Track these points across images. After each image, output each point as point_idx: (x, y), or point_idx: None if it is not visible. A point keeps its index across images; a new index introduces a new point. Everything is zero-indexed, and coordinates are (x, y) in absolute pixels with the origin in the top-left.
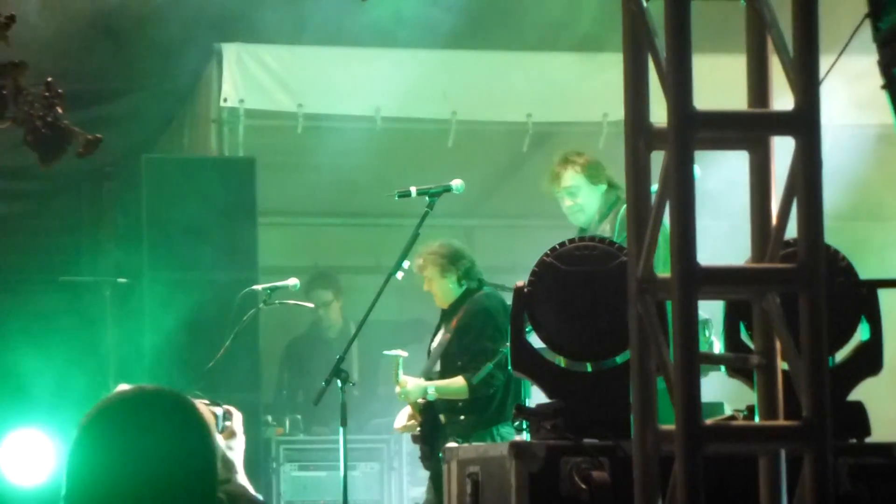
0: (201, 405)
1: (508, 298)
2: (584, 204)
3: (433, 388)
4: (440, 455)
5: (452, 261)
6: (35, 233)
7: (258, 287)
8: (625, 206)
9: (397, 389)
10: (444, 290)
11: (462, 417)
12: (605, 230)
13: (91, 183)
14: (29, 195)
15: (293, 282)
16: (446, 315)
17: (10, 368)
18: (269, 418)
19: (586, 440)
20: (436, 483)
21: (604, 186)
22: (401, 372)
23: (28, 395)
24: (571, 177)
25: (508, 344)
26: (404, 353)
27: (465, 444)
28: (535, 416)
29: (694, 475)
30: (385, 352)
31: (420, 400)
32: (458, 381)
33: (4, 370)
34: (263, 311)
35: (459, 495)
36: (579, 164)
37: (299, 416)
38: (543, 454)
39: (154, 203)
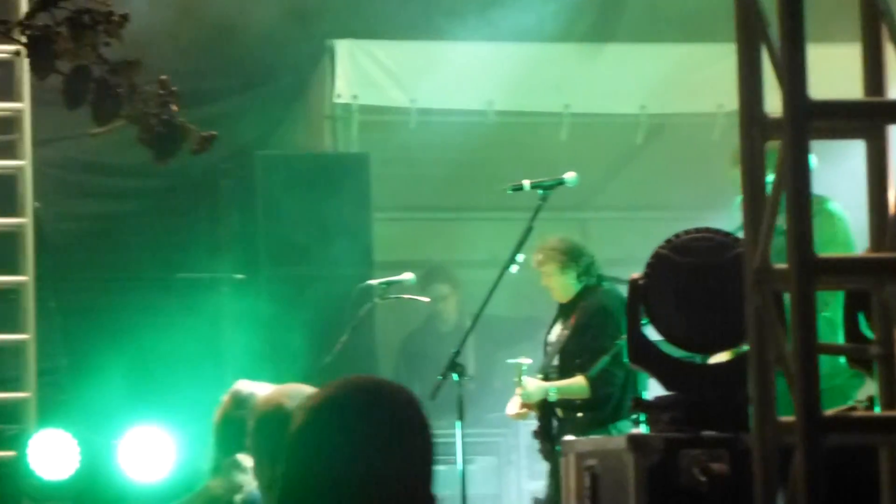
0: None
1: (624, 291)
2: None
3: (554, 389)
4: (559, 450)
5: (573, 257)
6: (152, 231)
7: (374, 282)
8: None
9: (518, 391)
10: (564, 286)
11: (580, 415)
12: None
13: (206, 180)
14: (145, 193)
15: (408, 276)
16: (564, 310)
17: (129, 366)
18: None
19: (705, 432)
20: (556, 478)
21: None
22: (524, 378)
23: (146, 391)
24: None
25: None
26: (528, 361)
27: (583, 438)
28: (652, 409)
29: (815, 466)
30: (509, 360)
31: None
32: (579, 381)
33: (123, 367)
34: (379, 306)
35: (578, 489)
36: None
37: None
38: (662, 447)
39: (269, 200)
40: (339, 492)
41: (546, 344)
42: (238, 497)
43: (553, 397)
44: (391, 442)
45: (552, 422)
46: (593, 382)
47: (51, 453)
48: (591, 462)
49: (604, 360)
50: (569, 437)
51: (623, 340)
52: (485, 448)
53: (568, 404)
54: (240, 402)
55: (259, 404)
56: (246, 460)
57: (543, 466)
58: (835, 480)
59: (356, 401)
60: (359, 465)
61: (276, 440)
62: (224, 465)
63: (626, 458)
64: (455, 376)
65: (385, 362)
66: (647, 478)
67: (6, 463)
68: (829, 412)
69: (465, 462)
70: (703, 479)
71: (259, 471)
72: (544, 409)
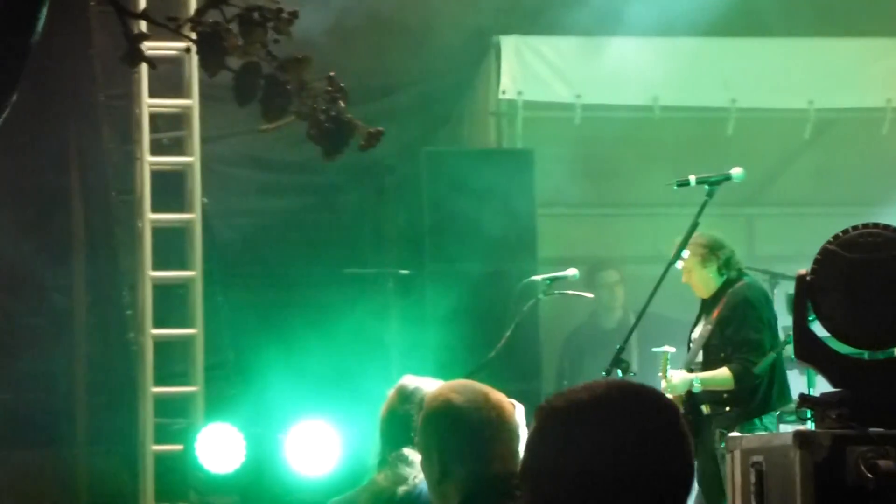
0: (501, 396)
1: (789, 287)
2: None
3: (698, 380)
4: (714, 446)
5: (713, 250)
6: (319, 227)
7: (538, 277)
8: None
9: (663, 384)
10: (705, 280)
11: (727, 409)
12: None
13: (373, 177)
14: (313, 189)
15: (572, 272)
16: (707, 306)
17: (297, 360)
18: None
19: (872, 429)
20: (702, 474)
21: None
22: (669, 367)
23: (314, 385)
24: None
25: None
26: (672, 349)
27: (749, 434)
28: (819, 405)
29: None
30: (654, 349)
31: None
32: (724, 373)
33: (291, 362)
34: (543, 302)
35: (743, 485)
36: None
37: None
38: (829, 443)
39: (434, 195)
40: (590, 488)
41: (690, 341)
42: (401, 489)
43: (697, 388)
44: (649, 444)
45: (698, 417)
46: (737, 374)
47: (218, 447)
48: (757, 458)
49: (771, 356)
50: (734, 434)
51: (790, 337)
52: None
53: (713, 398)
54: (405, 396)
55: (427, 400)
56: (412, 454)
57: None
58: None
59: (619, 400)
60: (617, 465)
61: (444, 435)
62: (390, 458)
63: (793, 454)
64: (619, 373)
65: (549, 358)
66: (814, 475)
67: (174, 456)
68: None
69: None
70: (870, 476)
71: (427, 466)
72: (689, 403)
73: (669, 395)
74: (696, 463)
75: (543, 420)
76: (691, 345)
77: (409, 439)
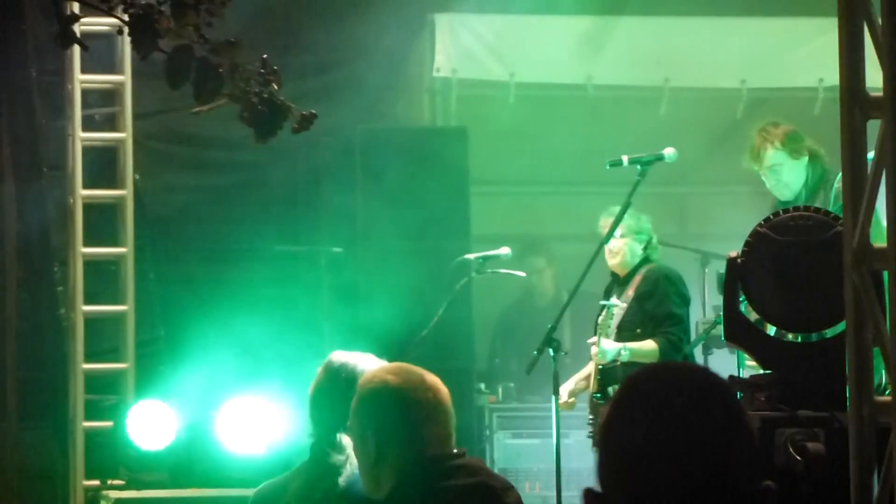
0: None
1: (720, 266)
2: (788, 180)
3: (627, 350)
4: None
5: (643, 228)
6: (252, 204)
7: (471, 256)
8: (839, 176)
9: (594, 350)
10: (631, 256)
11: None
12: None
13: (306, 153)
14: (245, 166)
15: (505, 251)
16: (619, 284)
17: (229, 337)
18: (483, 386)
19: (801, 411)
20: None
21: (805, 158)
22: (612, 323)
23: (246, 363)
24: (772, 155)
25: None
26: (623, 305)
27: None
28: (749, 388)
29: None
30: (602, 302)
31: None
32: (651, 345)
33: (223, 339)
34: (476, 280)
35: None
36: (778, 138)
37: (512, 385)
38: (758, 425)
39: (368, 173)
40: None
41: (597, 323)
42: (341, 480)
43: (625, 357)
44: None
45: (606, 398)
46: (663, 348)
47: (148, 424)
48: None
49: (701, 336)
50: None
51: (720, 318)
52: (580, 422)
53: (629, 375)
54: (333, 372)
55: (362, 382)
56: (344, 439)
57: None
58: None
59: (666, 378)
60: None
61: (380, 417)
62: (322, 445)
63: None
64: (551, 351)
65: (481, 336)
66: None
67: (104, 433)
68: None
69: (559, 436)
70: (798, 458)
71: (362, 448)
72: (600, 383)
73: (598, 361)
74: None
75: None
76: (601, 310)
77: (338, 416)
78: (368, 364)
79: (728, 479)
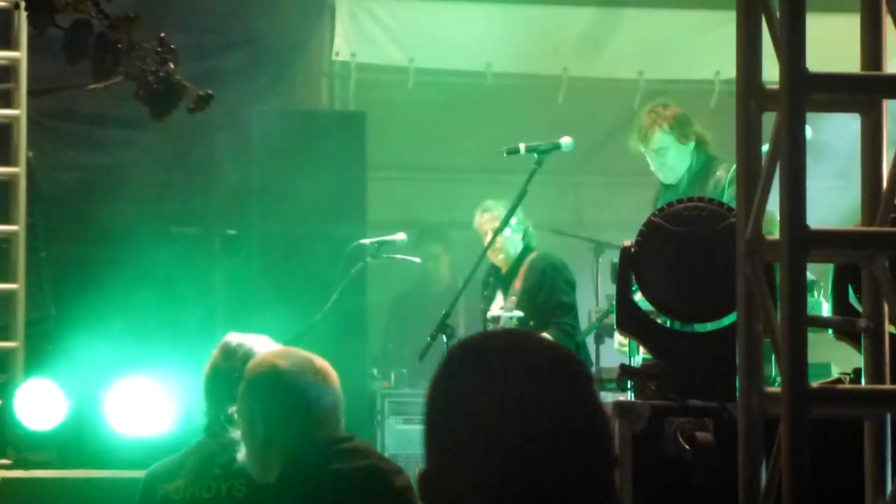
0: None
1: (615, 255)
2: (673, 164)
3: None
4: None
5: (522, 217)
6: (146, 183)
7: (366, 241)
8: (733, 166)
9: None
10: (513, 247)
11: None
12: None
13: (202, 135)
14: (141, 145)
15: (401, 236)
16: (503, 279)
17: (121, 317)
18: (375, 371)
19: (691, 401)
20: None
21: (692, 143)
22: (500, 324)
23: (136, 343)
24: (660, 138)
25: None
26: (520, 314)
27: None
28: (640, 376)
29: (799, 438)
30: (504, 314)
31: None
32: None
33: (115, 319)
34: (371, 265)
35: None
36: (667, 121)
37: (405, 370)
38: (648, 414)
39: (264, 156)
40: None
41: (486, 319)
42: (238, 455)
43: None
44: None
45: None
46: (556, 337)
47: (37, 403)
48: None
49: (594, 325)
50: None
51: (612, 307)
52: None
53: None
54: (229, 353)
55: (251, 366)
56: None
57: None
58: (820, 452)
59: (495, 343)
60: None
61: (269, 400)
62: (218, 421)
63: (612, 424)
64: (444, 338)
65: (376, 322)
66: (633, 445)
67: None
68: (815, 384)
69: None
70: (687, 447)
71: (250, 432)
72: None
73: None
74: None
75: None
76: (489, 323)
77: (234, 397)
78: (264, 346)
79: (562, 448)
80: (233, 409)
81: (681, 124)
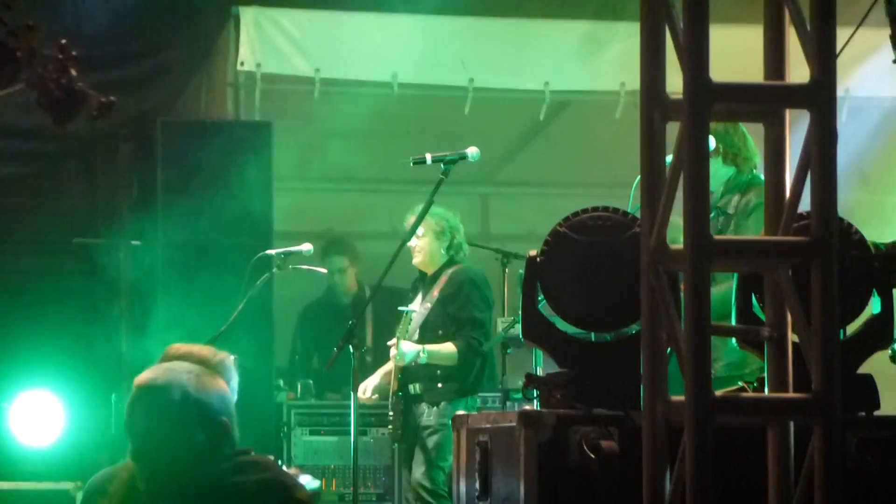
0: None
1: (521, 266)
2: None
3: (426, 352)
4: (419, 421)
5: (448, 229)
6: (49, 194)
7: (272, 252)
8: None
9: (393, 352)
10: (434, 255)
11: (440, 385)
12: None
13: (107, 145)
14: (44, 156)
15: (307, 247)
16: (425, 284)
17: (23, 329)
18: (282, 383)
19: (596, 410)
20: (407, 457)
21: (719, 158)
22: (409, 328)
23: (40, 355)
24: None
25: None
26: (424, 308)
27: (475, 413)
28: (545, 385)
29: (703, 446)
30: (400, 308)
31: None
32: (450, 348)
33: (17, 331)
34: (277, 276)
35: (468, 463)
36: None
37: (311, 382)
38: (553, 423)
39: (169, 166)
40: None
41: (399, 310)
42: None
43: (424, 359)
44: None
45: (407, 395)
46: (462, 350)
47: None
48: (483, 438)
49: (500, 335)
50: (460, 412)
51: (518, 317)
52: (379, 420)
53: (428, 374)
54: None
55: (139, 380)
56: None
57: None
58: (724, 460)
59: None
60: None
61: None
62: None
63: (518, 433)
64: (351, 348)
65: (282, 333)
66: (538, 454)
67: None
68: (719, 393)
69: (357, 433)
70: (592, 456)
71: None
72: (401, 382)
73: (397, 363)
74: (402, 438)
75: None
76: (403, 315)
77: None
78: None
79: None
80: None
81: (719, 137)
